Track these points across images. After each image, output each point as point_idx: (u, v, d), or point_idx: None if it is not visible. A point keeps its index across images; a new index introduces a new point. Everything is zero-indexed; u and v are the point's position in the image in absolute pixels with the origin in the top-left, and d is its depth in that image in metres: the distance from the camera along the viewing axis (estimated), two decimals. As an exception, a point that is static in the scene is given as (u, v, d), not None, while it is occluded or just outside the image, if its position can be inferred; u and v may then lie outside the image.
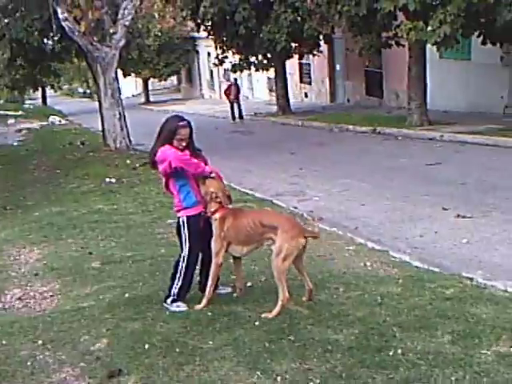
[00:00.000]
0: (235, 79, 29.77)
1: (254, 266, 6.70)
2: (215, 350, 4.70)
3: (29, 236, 8.95)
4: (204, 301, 5.63)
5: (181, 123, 5.54)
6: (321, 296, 5.67)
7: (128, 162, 16.02)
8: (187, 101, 44.63)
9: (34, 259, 7.82)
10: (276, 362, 4.45)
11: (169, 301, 5.67)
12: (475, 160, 13.56)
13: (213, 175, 5.59)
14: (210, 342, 4.84)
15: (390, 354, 4.42)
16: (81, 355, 4.84)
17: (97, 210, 10.39)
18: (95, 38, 17.93)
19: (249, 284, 6.12)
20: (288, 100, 28.37)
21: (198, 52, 46.34)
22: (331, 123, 22.29)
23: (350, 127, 21.10)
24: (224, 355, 4.61)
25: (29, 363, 4.79)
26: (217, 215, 5.58)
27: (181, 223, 5.65)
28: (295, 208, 9.90)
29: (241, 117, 28.13)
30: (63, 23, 17.35)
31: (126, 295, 6.13)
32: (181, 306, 5.63)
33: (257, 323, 5.14)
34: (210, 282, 5.63)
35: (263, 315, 5.31)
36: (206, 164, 5.74)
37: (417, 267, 6.73)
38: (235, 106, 28.05)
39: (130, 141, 18.40)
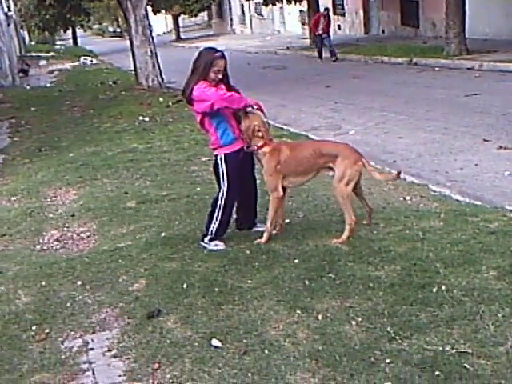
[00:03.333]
0: (326, 8, 24.68)
1: (292, 203, 6.58)
2: (254, 289, 4.63)
3: (64, 177, 8.92)
4: (265, 235, 5.56)
5: (217, 54, 5.35)
6: (361, 232, 5.54)
7: (161, 99, 15.86)
8: (218, 37, 44.08)
9: (71, 200, 7.80)
10: (316, 300, 4.36)
11: (206, 239, 5.59)
12: (516, 90, 13.17)
13: (255, 107, 5.42)
14: (249, 281, 4.77)
15: (434, 290, 4.30)
16: (119, 295, 4.82)
17: (131, 149, 10.31)
18: (125, -27, 17.58)
19: (287, 221, 6.00)
20: (321, 33, 27.67)
21: (228, -14, 45.54)
22: (366, 55, 21.89)
23: (386, 59, 20.70)
24: (263, 294, 4.54)
25: (68, 304, 4.79)
26: (266, 149, 5.46)
27: (218, 161, 5.52)
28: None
29: (332, 53, 23.17)
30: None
31: (163, 234, 6.08)
32: (219, 245, 5.56)
33: (296, 261, 5.05)
34: (270, 217, 5.55)
35: (333, 241, 5.35)
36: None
37: (458, 201, 6.58)
38: (325, 40, 23.40)
39: (162, 79, 18.21)
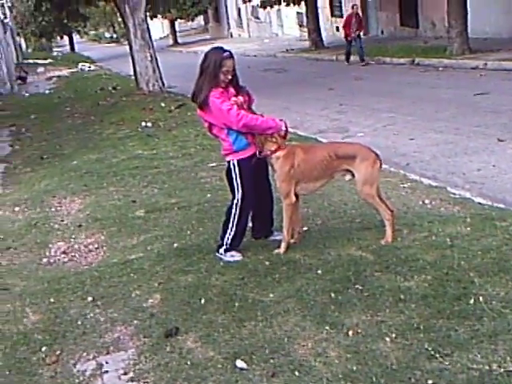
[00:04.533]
0: (354, 5, 21.89)
1: (308, 209, 6.33)
2: (277, 303, 4.36)
3: (69, 185, 8.66)
4: (283, 245, 5.30)
5: (225, 54, 5.09)
6: (383, 239, 5.28)
7: (163, 104, 15.59)
8: (216, 41, 43.76)
9: (76, 210, 7.53)
10: (345, 315, 4.09)
11: (222, 250, 5.33)
12: (526, 88, 12.95)
13: (284, 130, 5.21)
14: (271, 295, 4.50)
15: (471, 302, 4.03)
16: (133, 312, 4.55)
17: (136, 156, 10.05)
18: (122, -23, 17.32)
19: (304, 228, 5.74)
20: (320, 34, 27.61)
21: (224, -10, 45.33)
22: (367, 56, 21.61)
23: (387, 59, 20.53)
24: (287, 308, 4.27)
25: (79, 322, 4.52)
26: (279, 153, 5.20)
27: (231, 167, 5.25)
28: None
29: (362, 58, 20.99)
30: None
31: (175, 245, 5.82)
32: (235, 256, 5.29)
33: (319, 272, 4.77)
34: (285, 225, 5.30)
35: (383, 241, 5.21)
36: (250, 99, 5.34)
37: (480, 204, 6.33)
38: (357, 42, 21.08)
39: (163, 83, 17.93)
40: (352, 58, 21.48)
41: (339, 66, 21.61)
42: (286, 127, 5.28)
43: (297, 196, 5.36)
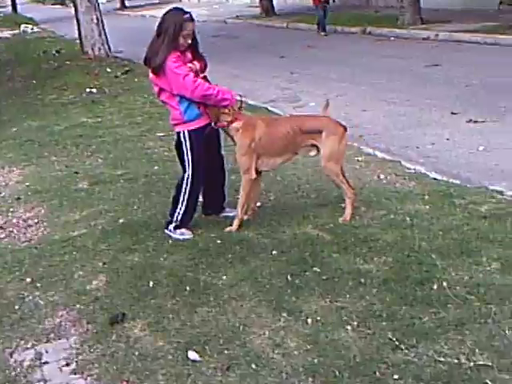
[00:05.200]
0: None
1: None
2: (231, 287, 4.10)
3: (7, 155, 8.18)
4: (235, 222, 5.02)
5: (186, 16, 4.73)
6: (341, 217, 5.05)
7: (109, 70, 14.98)
8: (164, 5, 42.77)
9: (15, 181, 7.09)
10: (303, 300, 3.86)
11: (171, 227, 5.01)
12: (476, 60, 12.90)
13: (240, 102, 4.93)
14: (224, 277, 4.24)
15: (434, 287, 3.84)
16: (76, 295, 4.23)
17: (80, 124, 9.58)
18: None
19: (257, 204, 5.47)
20: (271, 1, 27.15)
21: (174, -50, 44.09)
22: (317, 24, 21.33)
23: (339, 28, 20.29)
24: (242, 293, 4.02)
25: (17, 306, 4.18)
26: (237, 124, 4.89)
27: (182, 139, 4.91)
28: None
29: (324, 28, 19.77)
30: None
31: (121, 221, 5.47)
32: (185, 234, 4.98)
33: (274, 252, 4.53)
34: (241, 201, 5.01)
35: (340, 220, 4.97)
36: (205, 66, 5.01)
37: (435, 179, 6.17)
38: (320, 10, 19.51)
39: (109, 47, 17.30)
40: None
41: (291, 34, 21.28)
42: (241, 100, 5.00)
43: (258, 171, 5.07)
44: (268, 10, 26.80)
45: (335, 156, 4.96)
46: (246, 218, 5.15)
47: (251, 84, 12.36)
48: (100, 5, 17.64)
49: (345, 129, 5.06)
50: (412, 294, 3.79)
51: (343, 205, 5.22)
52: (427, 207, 5.17)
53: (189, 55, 4.85)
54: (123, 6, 46.46)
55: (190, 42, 4.77)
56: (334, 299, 3.85)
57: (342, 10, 24.93)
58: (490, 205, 5.17)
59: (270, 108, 9.79)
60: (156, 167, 6.97)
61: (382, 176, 6.30)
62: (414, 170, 6.50)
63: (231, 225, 5.03)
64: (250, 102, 10.25)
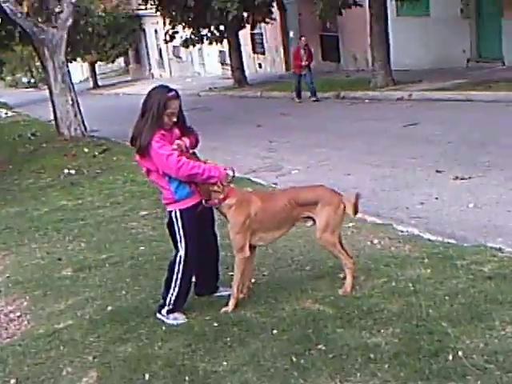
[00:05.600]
0: (302, 37, 19.90)
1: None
2: (233, 373, 3.82)
3: (-15, 244, 7.92)
4: (231, 302, 4.77)
5: (170, 94, 4.59)
6: (341, 288, 4.83)
7: (86, 150, 14.89)
8: (137, 82, 43.31)
9: (-6, 272, 6.82)
10: (311, 382, 3.60)
11: (164, 311, 4.74)
12: (452, 117, 13.00)
13: (231, 176, 4.74)
14: (225, 363, 3.96)
15: (450, 358, 3.60)
16: (66, 395, 3.94)
17: (60, 207, 9.36)
18: (40, 19, 16.58)
19: (252, 281, 5.23)
20: (244, 72, 27.46)
21: (144, 31, 44.87)
22: (291, 92, 21.51)
23: (312, 94, 20.34)
24: (245, 379, 3.74)
25: (2, 412, 3.89)
26: (230, 201, 4.70)
27: (174, 218, 4.72)
28: (275, 184, 9.06)
29: (314, 93, 19.25)
30: (3, 5, 15.96)
31: (109, 308, 5.20)
32: (179, 318, 4.71)
33: (275, 331, 4.27)
34: (236, 280, 4.77)
35: (341, 291, 4.72)
36: (197, 141, 4.87)
37: (430, 240, 6.00)
38: (306, 76, 19.18)
39: (85, 127, 17.25)
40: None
41: (264, 103, 21.40)
42: (234, 172, 4.82)
43: (252, 247, 4.86)
44: (240, 80, 27.07)
45: (331, 226, 4.77)
46: (241, 296, 4.91)
47: (231, 155, 12.27)
48: (74, 85, 17.68)
49: (341, 198, 4.87)
50: (427, 367, 3.54)
51: (341, 275, 5.03)
52: (428, 271, 4.97)
53: (176, 132, 4.70)
54: (96, 85, 46.96)
55: (175, 119, 4.63)
56: (344, 379, 3.59)
57: (314, 76, 25.23)
58: (493, 264, 4.98)
59: (252, 178, 9.64)
60: (142, 248, 6.73)
61: (375, 241, 6.11)
62: (407, 231, 6.34)
63: (227, 305, 4.78)
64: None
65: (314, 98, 19.17)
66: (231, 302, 4.77)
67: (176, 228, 4.70)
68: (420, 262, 5.22)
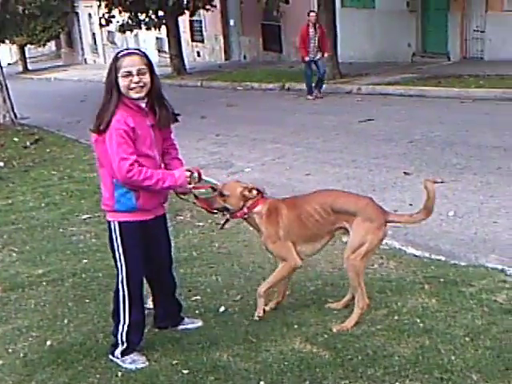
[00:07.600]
0: (311, 12, 15.54)
1: (216, 277, 4.99)
2: None
3: None
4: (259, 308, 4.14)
5: (121, 53, 3.72)
6: (332, 323, 4.03)
7: (16, 139, 13.75)
8: (69, 67, 41.73)
9: None
10: None
11: (118, 352, 3.82)
12: (408, 113, 12.41)
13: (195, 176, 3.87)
14: (203, 429, 3.12)
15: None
16: None
17: (-15, 208, 8.28)
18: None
19: (221, 309, 4.40)
20: (183, 60, 26.46)
21: (77, 14, 43.17)
22: (234, 82, 20.76)
23: (256, 85, 19.70)
24: None
25: None
26: (260, 208, 4.01)
27: (112, 231, 3.80)
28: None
29: (320, 85, 15.69)
30: None
31: (49, 343, 4.21)
32: (138, 361, 3.78)
33: (261, 383, 3.44)
34: (268, 284, 4.15)
35: (335, 329, 3.89)
36: (171, 118, 4.10)
37: (416, 256, 5.37)
38: (317, 62, 15.31)
39: (15, 115, 16.06)
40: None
41: (206, 92, 20.47)
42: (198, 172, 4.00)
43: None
44: (179, 68, 26.05)
45: (364, 248, 3.94)
46: (268, 308, 4.18)
47: (176, 149, 11.35)
48: (2, 68, 16.40)
49: (385, 217, 4.05)
50: None
51: (328, 304, 4.25)
52: (434, 301, 4.22)
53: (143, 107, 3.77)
54: (26, 69, 45.03)
55: (142, 94, 3.71)
56: None
57: (254, 66, 24.52)
58: (505, 291, 4.28)
59: (202, 176, 8.76)
60: (85, 261, 5.76)
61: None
62: (387, 244, 5.61)
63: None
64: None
65: (320, 95, 15.78)
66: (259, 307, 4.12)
67: (115, 244, 3.78)
68: (420, 287, 4.48)
